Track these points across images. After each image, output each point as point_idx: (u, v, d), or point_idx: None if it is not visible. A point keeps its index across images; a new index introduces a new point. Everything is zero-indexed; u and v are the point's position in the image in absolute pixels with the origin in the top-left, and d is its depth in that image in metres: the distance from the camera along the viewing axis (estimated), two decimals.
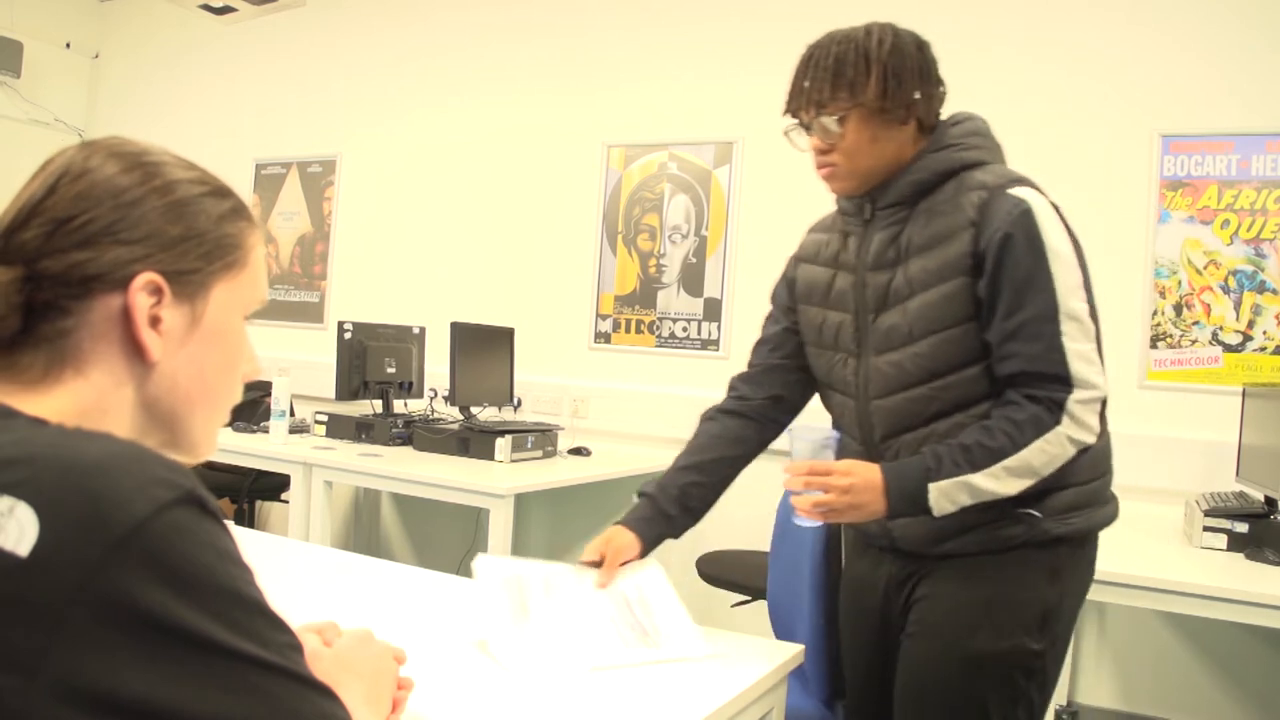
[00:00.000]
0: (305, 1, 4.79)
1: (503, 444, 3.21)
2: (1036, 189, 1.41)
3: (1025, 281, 1.34)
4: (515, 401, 3.81)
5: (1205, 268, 3.15)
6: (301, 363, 4.37)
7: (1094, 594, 2.17)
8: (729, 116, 3.88)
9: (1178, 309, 3.18)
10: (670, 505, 1.58)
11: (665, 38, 4.03)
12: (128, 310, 0.72)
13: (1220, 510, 2.39)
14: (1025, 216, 1.35)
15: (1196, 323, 3.16)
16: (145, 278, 0.72)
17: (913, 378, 1.44)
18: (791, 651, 1.39)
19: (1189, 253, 3.17)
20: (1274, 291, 3.07)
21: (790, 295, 1.67)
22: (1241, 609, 1.98)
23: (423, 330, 3.91)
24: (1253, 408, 2.81)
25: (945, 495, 1.34)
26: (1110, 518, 1.53)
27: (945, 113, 1.54)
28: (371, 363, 3.59)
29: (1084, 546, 1.50)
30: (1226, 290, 3.12)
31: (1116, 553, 2.37)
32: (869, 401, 1.50)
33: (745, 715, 1.24)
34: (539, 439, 3.42)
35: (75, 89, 5.47)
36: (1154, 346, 3.21)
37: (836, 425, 1.59)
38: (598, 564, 1.48)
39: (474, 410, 3.56)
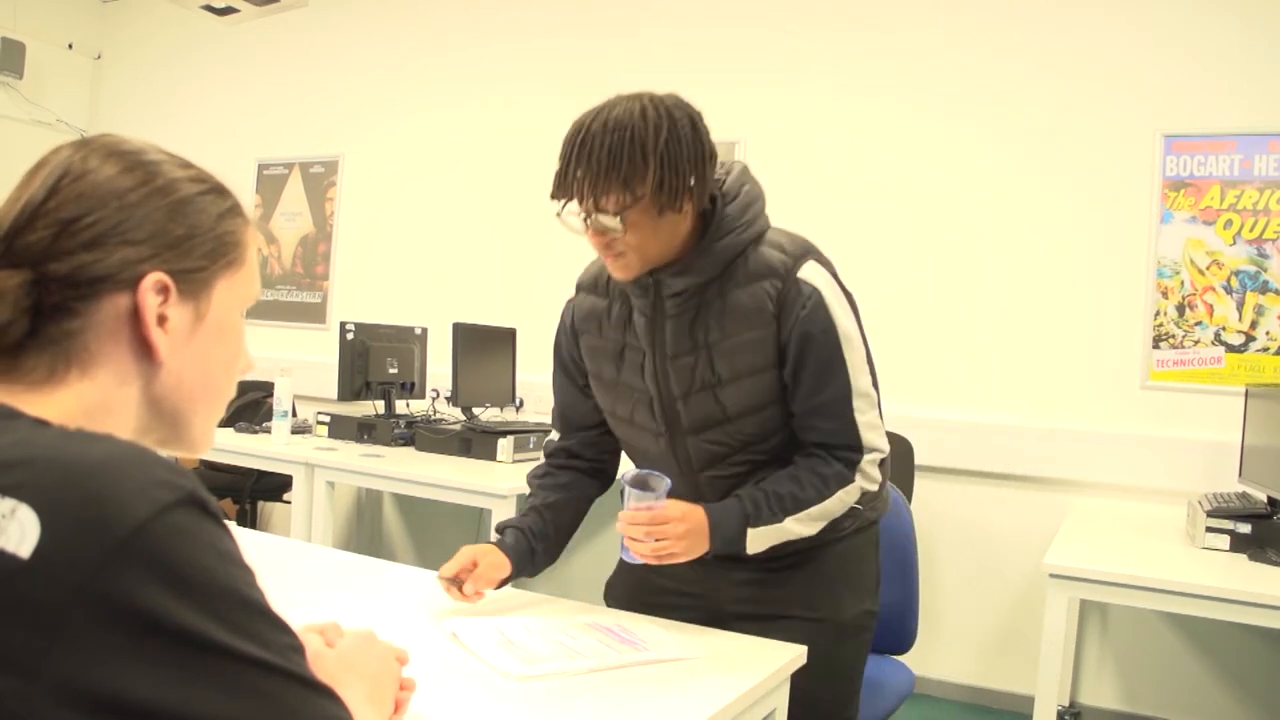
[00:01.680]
0: (307, 2, 4.80)
1: (505, 444, 3.21)
2: (817, 259, 1.50)
3: (823, 370, 1.48)
4: (517, 402, 3.81)
5: (1208, 268, 3.14)
6: (303, 363, 4.37)
7: (1096, 594, 2.18)
8: (729, 117, 3.86)
9: (1180, 309, 3.18)
10: (537, 543, 1.64)
11: (666, 38, 4.03)
12: (137, 310, 0.72)
13: (1223, 511, 2.38)
14: (819, 310, 1.46)
15: (1199, 323, 3.15)
16: (154, 277, 0.72)
17: (735, 447, 1.55)
18: (794, 653, 1.38)
19: (1191, 253, 3.17)
20: (1277, 292, 3.07)
21: (580, 367, 1.70)
22: (1244, 610, 1.98)
23: (425, 331, 3.91)
24: (1255, 408, 2.80)
25: (760, 539, 1.50)
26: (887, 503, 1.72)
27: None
28: (374, 363, 3.59)
29: (878, 525, 1.70)
30: (1229, 290, 3.12)
31: (1119, 553, 2.37)
32: (696, 474, 1.59)
33: (748, 716, 1.24)
34: (541, 439, 3.42)
35: (77, 89, 5.48)
36: (1156, 347, 3.21)
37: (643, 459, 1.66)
38: (458, 582, 1.47)
39: (476, 411, 3.56)
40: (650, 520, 1.46)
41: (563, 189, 1.46)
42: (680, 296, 1.50)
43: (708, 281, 1.49)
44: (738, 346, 1.49)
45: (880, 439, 1.53)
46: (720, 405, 1.52)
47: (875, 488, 1.54)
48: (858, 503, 1.54)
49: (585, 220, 1.45)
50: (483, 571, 1.50)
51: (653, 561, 1.47)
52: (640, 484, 1.48)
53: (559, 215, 1.49)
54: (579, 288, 1.72)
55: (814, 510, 1.49)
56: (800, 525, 1.50)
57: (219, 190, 0.79)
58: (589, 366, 1.67)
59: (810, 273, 1.48)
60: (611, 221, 1.41)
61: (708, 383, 1.51)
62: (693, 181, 1.42)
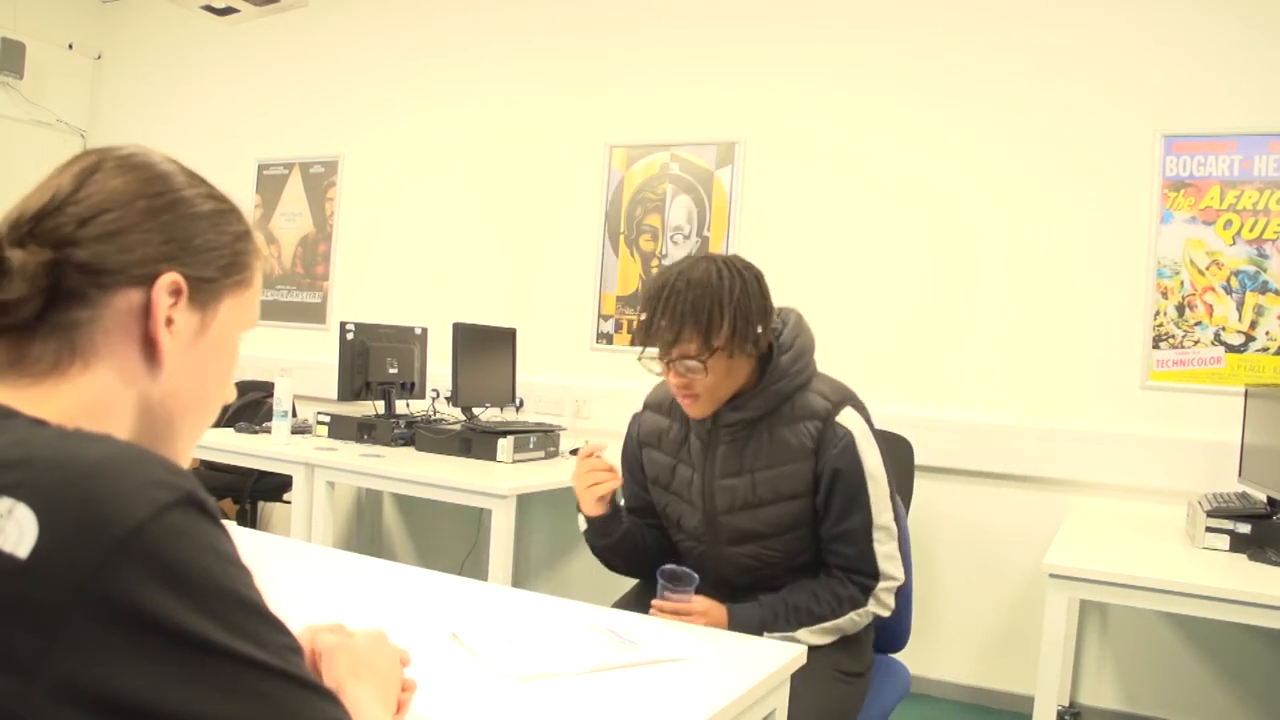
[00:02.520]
0: (307, 2, 4.80)
1: (505, 444, 3.21)
2: (854, 406, 1.75)
3: (849, 503, 1.71)
4: (517, 402, 3.81)
5: (1207, 268, 3.14)
6: (303, 363, 4.37)
7: (1096, 594, 2.18)
8: (731, 117, 3.88)
9: (1180, 309, 3.18)
10: (624, 515, 1.88)
11: (667, 38, 4.04)
12: (148, 306, 0.74)
13: (1223, 511, 2.38)
14: (850, 450, 1.70)
15: (1199, 323, 3.15)
16: (169, 278, 0.74)
17: (765, 562, 1.78)
18: (795, 652, 1.39)
19: (1191, 253, 3.17)
20: (1276, 292, 3.07)
21: (644, 472, 1.92)
22: (1244, 610, 1.98)
23: (425, 331, 3.91)
24: (1255, 408, 2.80)
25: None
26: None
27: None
28: (374, 363, 3.59)
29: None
30: (1229, 291, 3.12)
31: (1119, 553, 2.37)
32: (725, 579, 1.80)
33: (748, 716, 1.24)
34: (541, 439, 3.42)
35: (77, 90, 5.48)
36: (1156, 347, 3.21)
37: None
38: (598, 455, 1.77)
39: (476, 411, 3.56)
40: (674, 610, 1.63)
41: (648, 337, 1.68)
42: (734, 428, 1.75)
43: (759, 417, 1.74)
44: (779, 475, 1.73)
45: (896, 568, 1.74)
46: (757, 522, 1.75)
47: (887, 614, 1.75)
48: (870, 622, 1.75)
49: (666, 364, 1.68)
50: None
51: None
52: (670, 576, 1.65)
53: (640, 359, 1.73)
54: (646, 406, 1.94)
55: (827, 625, 1.71)
56: (812, 636, 1.70)
57: (237, 214, 0.83)
58: (649, 472, 1.90)
59: (847, 418, 1.72)
60: (694, 364, 1.65)
61: (749, 503, 1.75)
62: (760, 330, 1.67)
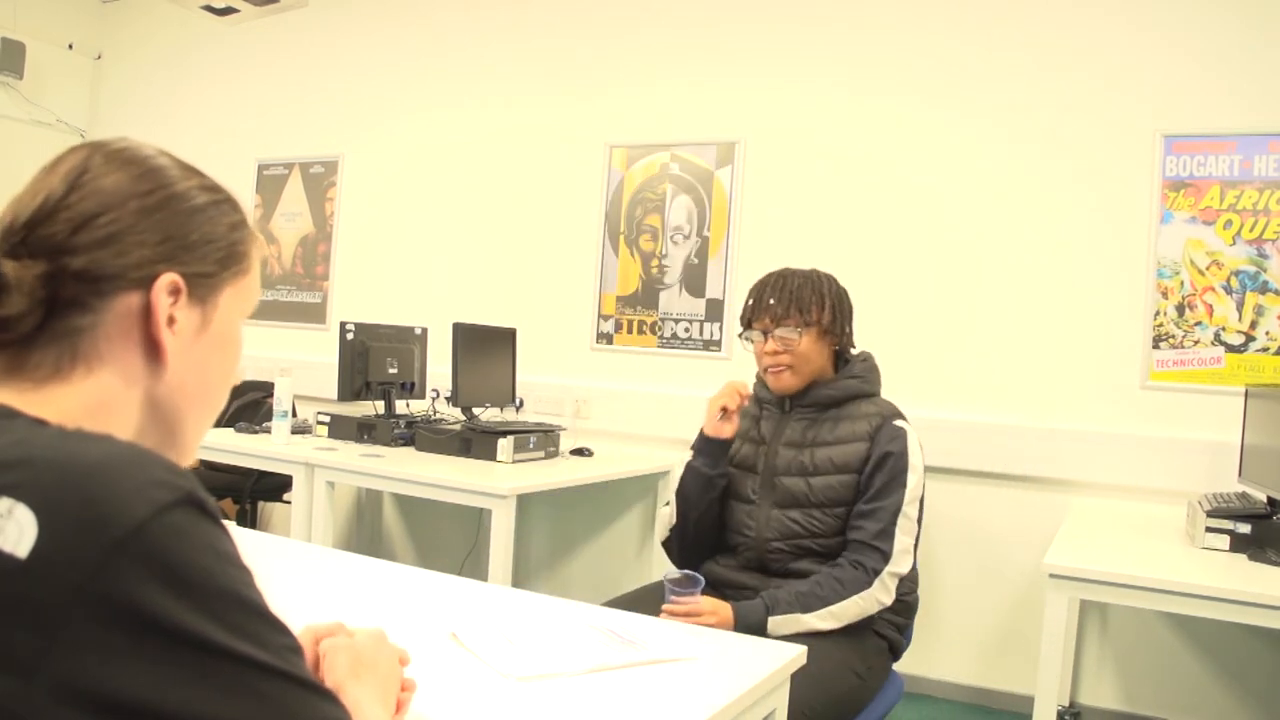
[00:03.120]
0: (307, 2, 4.80)
1: (505, 444, 3.21)
2: (905, 419, 2.04)
3: (888, 482, 1.94)
4: (517, 402, 3.81)
5: (1207, 268, 3.14)
6: (303, 363, 4.37)
7: (1096, 594, 2.18)
8: (731, 117, 3.88)
9: (1180, 309, 3.18)
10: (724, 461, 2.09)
11: (667, 38, 4.04)
12: (149, 309, 0.73)
13: (1223, 511, 2.38)
14: (901, 441, 1.98)
15: (1199, 323, 3.15)
16: (168, 278, 0.73)
17: (806, 532, 1.97)
18: (794, 652, 1.38)
19: (1191, 253, 3.17)
20: (1276, 292, 3.07)
21: None
22: (1244, 610, 1.98)
23: (425, 331, 3.91)
24: (1255, 408, 2.80)
25: (779, 626, 1.83)
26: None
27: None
28: (373, 363, 3.59)
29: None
30: (1229, 291, 3.12)
31: (1118, 553, 2.37)
32: (765, 542, 2.00)
33: (748, 716, 1.24)
34: (541, 439, 3.42)
35: (77, 90, 5.48)
36: (1156, 347, 3.21)
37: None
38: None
39: (476, 411, 3.56)
40: (685, 612, 1.75)
41: (756, 312, 2.04)
42: (807, 409, 2.07)
43: (828, 405, 2.05)
44: (836, 451, 1.99)
45: (906, 560, 1.91)
46: (809, 489, 1.98)
47: (890, 600, 1.89)
48: (877, 613, 1.89)
49: (765, 336, 2.02)
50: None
51: None
52: (677, 582, 1.77)
53: (740, 336, 2.10)
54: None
55: (834, 608, 1.84)
56: (818, 620, 1.83)
57: (231, 202, 0.82)
58: None
59: (902, 423, 2.02)
60: (791, 333, 2.00)
61: (805, 469, 2.00)
62: (847, 329, 2.07)
